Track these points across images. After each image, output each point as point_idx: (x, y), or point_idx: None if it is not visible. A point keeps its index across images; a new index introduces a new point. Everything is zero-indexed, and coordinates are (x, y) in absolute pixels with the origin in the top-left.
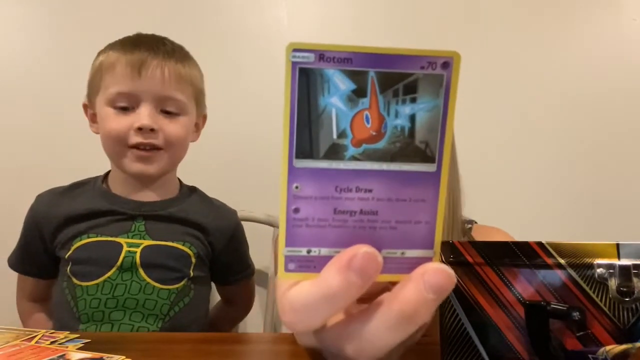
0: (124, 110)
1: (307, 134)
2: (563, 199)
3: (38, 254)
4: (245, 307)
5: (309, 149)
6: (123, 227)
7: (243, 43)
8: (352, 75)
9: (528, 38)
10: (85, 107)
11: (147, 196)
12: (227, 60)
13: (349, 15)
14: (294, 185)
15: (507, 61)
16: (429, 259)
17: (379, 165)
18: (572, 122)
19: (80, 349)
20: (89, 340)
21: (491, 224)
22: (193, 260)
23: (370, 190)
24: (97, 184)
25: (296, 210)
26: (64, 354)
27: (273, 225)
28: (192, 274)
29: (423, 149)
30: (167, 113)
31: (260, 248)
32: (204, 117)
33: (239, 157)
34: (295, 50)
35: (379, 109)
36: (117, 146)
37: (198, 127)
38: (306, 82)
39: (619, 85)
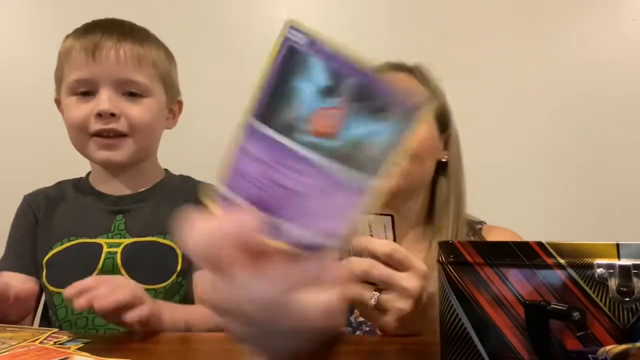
0: (84, 96)
1: (272, 103)
2: (563, 199)
3: (27, 248)
4: None
5: (269, 116)
6: (103, 226)
7: (243, 43)
8: (332, 73)
9: (528, 38)
10: (57, 102)
11: (128, 187)
12: (227, 60)
13: (349, 15)
14: (244, 140)
15: (506, 61)
16: (329, 250)
17: (323, 159)
18: (571, 121)
19: (81, 349)
20: (90, 340)
21: (491, 223)
22: (178, 252)
23: (304, 175)
24: (81, 182)
25: (240, 161)
26: (67, 358)
27: None
28: (179, 267)
29: (366, 162)
30: (130, 95)
31: None
32: (180, 103)
33: None
34: (292, 27)
35: (345, 113)
36: (79, 135)
37: (174, 113)
38: (290, 60)
39: (619, 85)
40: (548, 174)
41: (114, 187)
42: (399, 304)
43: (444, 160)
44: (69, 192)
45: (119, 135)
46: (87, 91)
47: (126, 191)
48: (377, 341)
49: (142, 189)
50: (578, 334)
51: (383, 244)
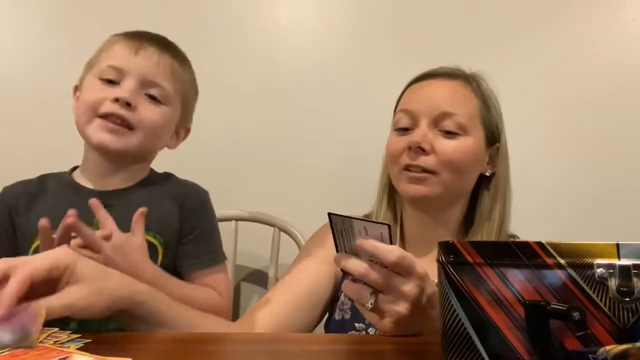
0: (109, 84)
1: None
2: (563, 199)
3: (5, 248)
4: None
5: None
6: (85, 221)
7: (242, 42)
8: None
9: (528, 39)
10: (75, 88)
11: (112, 184)
12: (227, 60)
13: (349, 15)
14: None
15: (506, 62)
16: None
17: None
18: (572, 121)
19: (81, 349)
20: (90, 340)
21: (523, 238)
22: (160, 249)
23: None
24: (63, 176)
25: None
26: (67, 358)
27: (273, 225)
28: (159, 263)
29: None
30: (151, 98)
31: (261, 248)
32: (187, 130)
33: (238, 158)
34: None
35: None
36: (87, 112)
37: (179, 136)
38: None
39: (619, 85)
40: (548, 173)
41: (100, 184)
42: (397, 307)
43: (487, 174)
44: (51, 186)
45: (125, 125)
46: (113, 80)
47: (111, 187)
48: (377, 341)
49: (126, 186)
50: (578, 334)
51: (388, 251)
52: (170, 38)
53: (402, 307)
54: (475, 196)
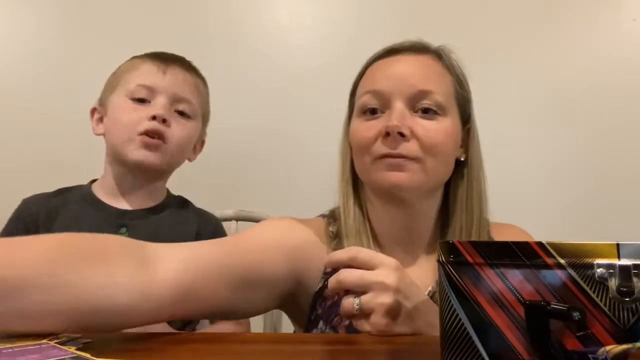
0: (141, 102)
1: None
2: (563, 199)
3: None
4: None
5: None
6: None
7: (242, 43)
8: None
9: (528, 39)
10: (93, 111)
11: (132, 204)
12: (227, 60)
13: (349, 16)
14: None
15: (507, 61)
16: None
17: None
18: (571, 121)
19: (81, 349)
20: (90, 340)
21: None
22: None
23: None
24: (83, 191)
25: None
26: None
27: None
28: None
29: None
30: (179, 114)
31: None
32: (203, 143)
33: (238, 158)
34: None
35: None
36: (127, 132)
37: (196, 149)
38: None
39: (619, 85)
40: (548, 174)
41: (120, 202)
42: (380, 299)
43: (461, 159)
44: (71, 200)
45: (162, 139)
46: (144, 98)
47: (130, 207)
48: (376, 341)
49: (145, 207)
50: (578, 334)
51: (344, 252)
52: (171, 38)
53: (385, 297)
54: (448, 185)
